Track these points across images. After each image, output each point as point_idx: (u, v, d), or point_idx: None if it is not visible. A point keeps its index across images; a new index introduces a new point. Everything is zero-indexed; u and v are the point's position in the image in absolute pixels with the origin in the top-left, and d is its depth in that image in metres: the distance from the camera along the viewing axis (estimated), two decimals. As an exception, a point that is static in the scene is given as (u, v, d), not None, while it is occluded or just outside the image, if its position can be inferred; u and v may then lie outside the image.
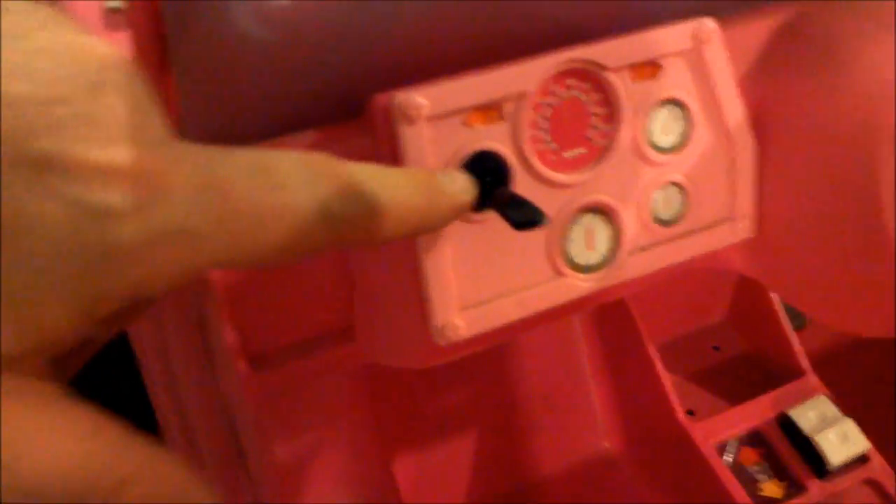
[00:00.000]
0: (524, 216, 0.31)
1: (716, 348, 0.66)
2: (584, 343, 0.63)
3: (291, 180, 0.24)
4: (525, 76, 0.34)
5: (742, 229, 0.39)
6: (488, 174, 0.34)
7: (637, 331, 0.59)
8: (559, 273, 0.37)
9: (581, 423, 0.64)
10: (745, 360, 0.65)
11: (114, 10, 0.54)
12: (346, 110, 0.34)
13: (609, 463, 0.63)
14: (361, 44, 0.32)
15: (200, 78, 0.29)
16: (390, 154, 0.33)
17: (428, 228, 0.30)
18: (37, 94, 0.20)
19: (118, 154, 0.20)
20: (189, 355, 0.45)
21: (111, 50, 0.22)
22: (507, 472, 0.62)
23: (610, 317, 0.61)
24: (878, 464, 0.58)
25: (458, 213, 0.31)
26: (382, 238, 0.28)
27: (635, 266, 0.38)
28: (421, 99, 0.32)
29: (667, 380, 0.58)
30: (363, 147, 0.34)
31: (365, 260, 0.36)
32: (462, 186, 0.31)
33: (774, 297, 0.63)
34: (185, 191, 0.22)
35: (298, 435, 0.40)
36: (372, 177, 0.27)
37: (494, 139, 0.34)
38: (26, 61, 0.20)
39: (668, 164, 0.37)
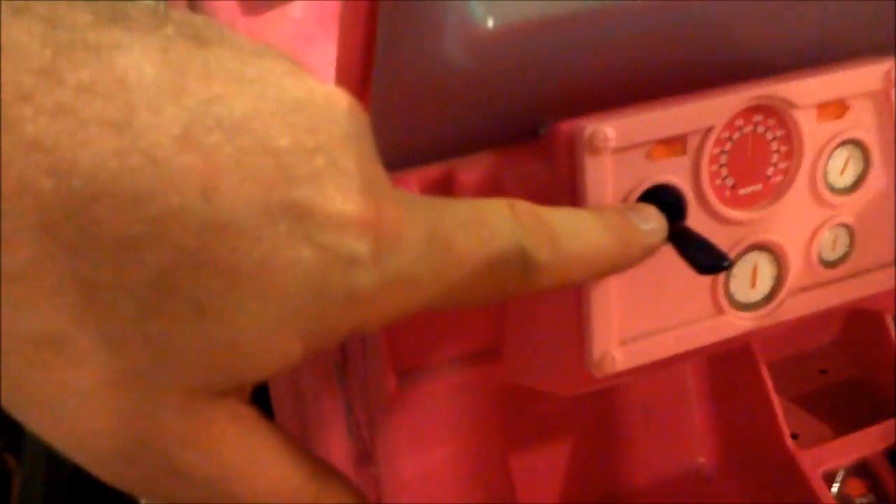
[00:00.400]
0: (710, 261, 0.30)
1: (823, 372, 0.64)
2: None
3: (501, 230, 0.25)
4: (714, 111, 0.32)
5: (905, 274, 0.38)
6: (665, 208, 0.33)
7: (749, 348, 0.58)
8: (720, 310, 0.36)
9: (678, 437, 0.63)
10: (852, 386, 0.64)
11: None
12: (522, 132, 0.33)
13: (704, 479, 0.62)
14: (548, 70, 0.31)
15: (399, 96, 0.29)
16: (570, 181, 0.32)
17: (618, 270, 0.30)
18: (298, 143, 0.20)
19: (366, 205, 0.21)
20: (319, 360, 0.45)
21: (352, 99, 0.22)
22: (602, 478, 0.62)
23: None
24: None
25: (649, 254, 0.30)
26: (574, 282, 0.29)
27: (795, 306, 0.37)
28: (610, 130, 0.31)
29: (777, 401, 0.57)
30: (538, 171, 0.33)
31: (527, 293, 0.36)
32: (655, 226, 0.31)
33: (888, 323, 0.62)
34: (415, 241, 0.23)
35: (430, 446, 0.40)
36: (570, 224, 0.28)
37: (674, 173, 0.33)
38: (284, 110, 0.20)
39: (840, 205, 0.36)
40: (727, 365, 0.60)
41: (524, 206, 0.26)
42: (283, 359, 0.21)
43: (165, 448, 0.20)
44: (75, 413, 0.19)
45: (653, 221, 0.31)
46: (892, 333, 0.61)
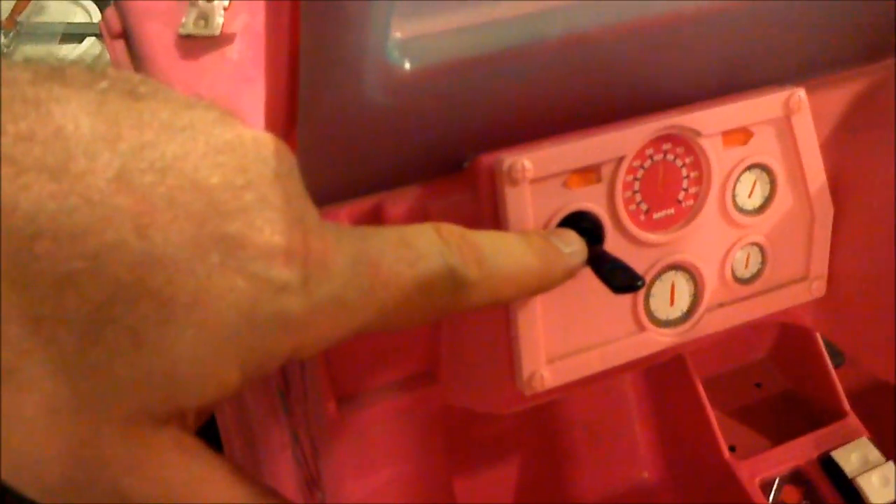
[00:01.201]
0: (624, 281, 0.32)
1: (757, 385, 0.67)
2: (628, 374, 0.64)
3: (428, 251, 0.27)
4: (625, 141, 0.35)
5: (816, 289, 0.40)
6: (584, 233, 0.35)
7: (685, 365, 0.60)
8: (642, 328, 0.38)
9: (622, 453, 0.65)
10: (786, 398, 0.66)
11: (187, 37, 0.55)
12: (446, 166, 0.35)
13: (648, 493, 0.64)
14: (467, 106, 0.33)
15: (323, 134, 0.30)
16: (491, 211, 0.34)
17: (543, 290, 0.32)
18: (228, 182, 0.22)
19: (293, 236, 0.23)
20: (261, 384, 0.46)
21: (279, 141, 0.24)
22: (549, 497, 0.63)
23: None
24: (916, 507, 0.59)
25: (571, 275, 0.32)
26: (502, 301, 0.31)
27: (713, 322, 0.39)
28: (527, 162, 0.33)
29: (713, 415, 0.59)
30: (462, 202, 0.35)
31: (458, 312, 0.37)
32: (575, 248, 0.33)
33: (818, 337, 0.64)
34: (342, 266, 0.24)
35: (374, 470, 0.41)
36: (496, 245, 0.29)
37: (591, 200, 0.35)
38: (213, 152, 0.22)
39: (750, 225, 0.38)
40: (665, 382, 0.62)
41: (450, 228, 0.28)
42: (221, 385, 0.22)
43: (110, 475, 0.21)
44: (22, 441, 0.20)
45: (574, 245, 0.33)
46: (822, 346, 0.63)
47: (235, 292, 0.21)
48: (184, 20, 0.55)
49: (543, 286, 0.31)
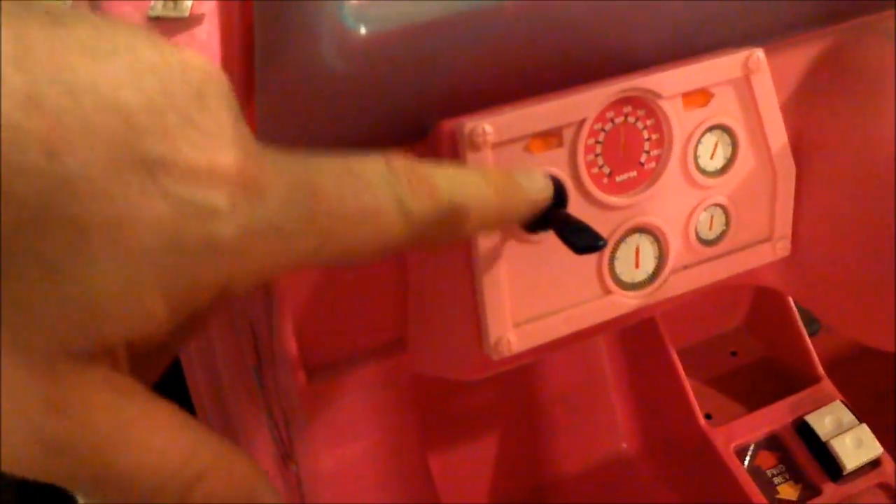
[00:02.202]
0: (585, 241, 0.33)
1: (733, 353, 0.67)
2: (604, 345, 0.65)
3: (376, 182, 0.26)
4: (585, 104, 0.35)
5: (780, 249, 0.41)
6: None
7: (659, 334, 0.61)
8: (607, 291, 0.38)
9: (600, 425, 0.65)
10: (761, 366, 0.67)
11: (156, 19, 0.55)
12: (410, 133, 0.35)
13: (627, 464, 0.65)
14: (427, 72, 0.33)
15: (281, 101, 0.30)
16: (454, 177, 0.34)
17: (505, 223, 0.31)
18: (149, 103, 0.21)
19: (222, 158, 0.22)
20: (235, 360, 0.47)
21: (210, 64, 0.23)
22: (528, 471, 0.64)
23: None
24: (889, 468, 0.60)
25: (533, 210, 0.32)
26: (460, 235, 0.29)
27: (678, 284, 0.39)
28: (487, 127, 0.33)
29: (687, 384, 0.60)
30: (426, 169, 0.35)
31: (421, 275, 0.38)
32: (540, 186, 0.32)
33: (792, 304, 0.65)
34: (278, 192, 0.23)
35: (347, 441, 0.42)
36: (450, 177, 0.28)
37: (553, 164, 0.35)
38: (135, 74, 0.21)
39: (713, 186, 0.39)
40: (641, 352, 0.62)
41: (400, 160, 0.27)
42: (147, 316, 0.21)
43: (31, 417, 0.20)
44: None
45: (538, 182, 0.32)
46: (796, 313, 0.64)
47: (156, 217, 0.20)
48: (153, 3, 0.55)
49: (503, 219, 0.31)
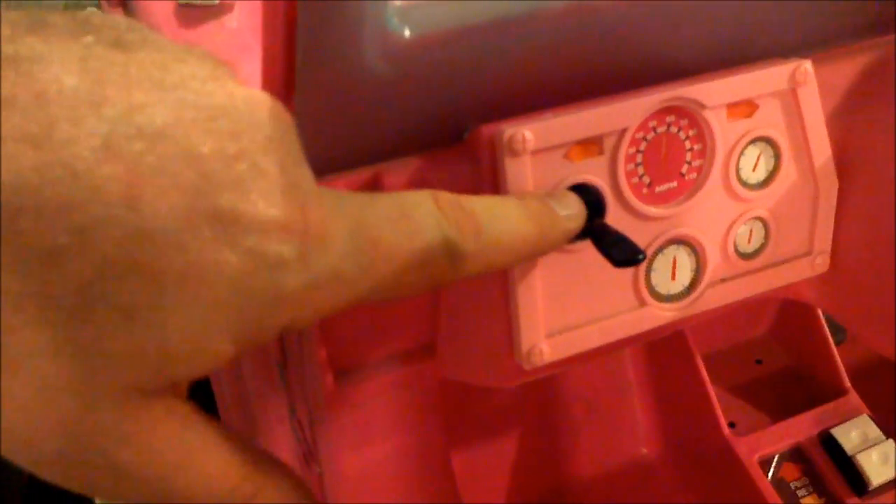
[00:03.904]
0: (625, 254, 0.32)
1: (758, 362, 0.66)
2: (628, 349, 0.64)
3: (426, 223, 0.26)
4: (628, 113, 0.34)
5: (819, 264, 0.40)
6: (585, 206, 0.34)
7: (685, 340, 0.60)
8: (642, 302, 0.37)
9: (621, 428, 0.65)
10: (787, 375, 0.66)
11: (186, 6, 0.54)
12: (445, 137, 0.35)
13: (647, 469, 0.64)
14: (468, 76, 0.33)
15: (321, 102, 0.30)
16: (492, 183, 0.33)
17: (540, 254, 0.31)
18: (221, 151, 0.21)
19: (290, 208, 0.22)
20: (259, 356, 0.46)
21: (274, 102, 0.23)
22: (548, 471, 0.63)
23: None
24: (914, 484, 0.59)
25: (568, 239, 0.32)
26: (498, 267, 0.30)
27: (714, 297, 0.39)
28: (528, 133, 0.32)
29: (712, 392, 0.59)
30: (463, 173, 0.34)
31: (454, 282, 0.37)
32: (573, 211, 0.32)
33: (820, 314, 0.64)
34: (341, 240, 0.23)
35: (371, 443, 0.41)
36: (493, 212, 0.29)
37: (593, 172, 0.34)
38: (205, 117, 0.21)
39: (754, 199, 0.38)
40: (665, 357, 0.61)
41: (447, 198, 0.27)
42: (214, 358, 0.22)
43: (103, 448, 0.21)
44: (14, 418, 0.20)
45: (572, 207, 0.32)
46: (824, 323, 0.63)
47: (228, 267, 0.21)
48: (183, -11, 0.55)
49: (539, 251, 0.31)
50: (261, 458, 0.25)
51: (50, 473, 0.21)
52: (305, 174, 0.23)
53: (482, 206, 0.29)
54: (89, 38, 0.20)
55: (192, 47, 0.22)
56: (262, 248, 0.21)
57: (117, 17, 0.22)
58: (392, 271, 0.25)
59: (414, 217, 0.26)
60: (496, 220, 0.29)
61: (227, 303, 0.21)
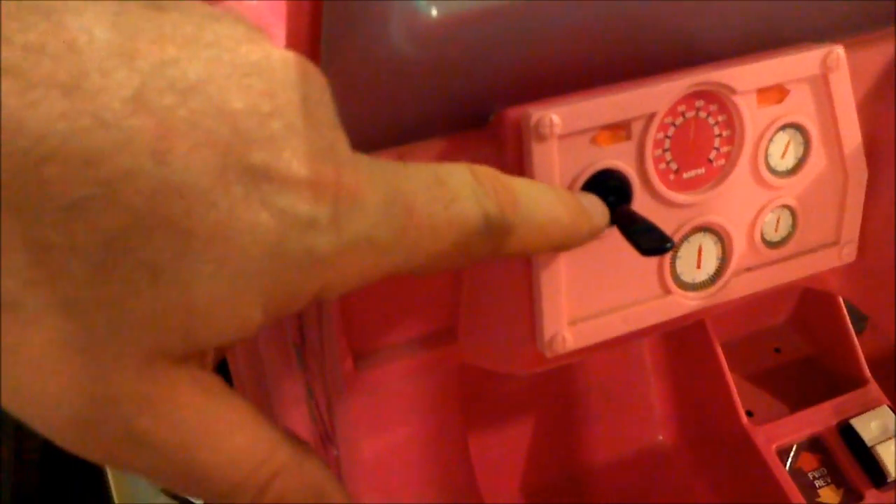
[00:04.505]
0: (652, 243, 0.31)
1: (777, 350, 0.66)
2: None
3: (464, 193, 0.25)
4: (657, 97, 0.33)
5: (847, 254, 0.39)
6: (611, 192, 0.34)
7: (704, 326, 0.59)
8: (667, 290, 0.37)
9: (637, 415, 0.64)
10: (806, 364, 0.65)
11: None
12: (469, 119, 0.34)
13: (663, 456, 0.64)
14: (494, 58, 0.32)
15: (345, 83, 0.29)
16: (517, 167, 0.33)
17: (567, 246, 0.31)
18: (255, 107, 0.20)
19: (324, 169, 0.21)
20: (276, 335, 0.46)
21: (309, 64, 0.22)
22: (563, 457, 0.63)
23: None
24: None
25: (594, 235, 0.31)
26: (531, 251, 0.29)
27: (740, 286, 0.38)
28: (555, 117, 0.32)
29: (731, 380, 0.59)
30: (488, 156, 0.34)
31: (477, 266, 0.37)
32: (601, 211, 0.32)
33: (841, 302, 0.63)
34: (374, 204, 0.23)
35: (390, 427, 0.41)
36: (529, 192, 0.28)
37: (620, 157, 0.34)
38: (240, 74, 0.20)
39: (782, 187, 0.37)
40: (683, 344, 0.61)
41: (485, 170, 0.27)
42: (243, 324, 0.21)
43: (123, 414, 0.20)
44: (30, 378, 0.19)
45: (597, 205, 0.32)
46: (845, 312, 0.62)
47: (259, 227, 0.20)
48: (202, -35, 0.54)
49: (569, 242, 0.30)
50: (286, 437, 0.24)
51: (65, 439, 0.21)
52: (340, 137, 0.23)
53: (519, 183, 0.28)
54: None
55: (227, 11, 0.22)
56: (295, 208, 0.21)
57: None
58: (426, 240, 0.24)
59: (450, 185, 0.25)
60: (532, 197, 0.28)
61: (256, 264, 0.20)
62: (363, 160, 0.23)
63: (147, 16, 0.20)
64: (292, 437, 0.25)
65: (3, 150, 0.18)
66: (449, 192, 0.25)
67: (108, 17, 0.19)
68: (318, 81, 0.22)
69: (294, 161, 0.21)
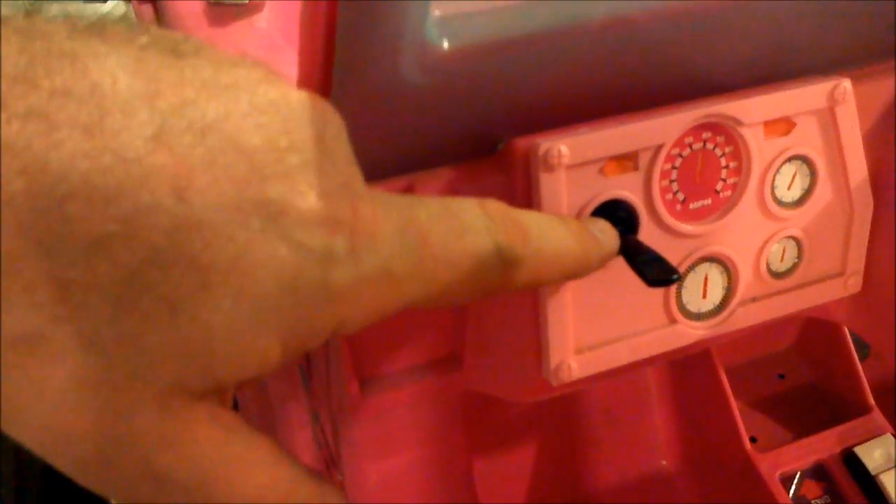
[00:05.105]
0: (658, 274, 0.32)
1: (781, 376, 0.66)
2: (651, 362, 0.64)
3: (475, 226, 0.26)
4: (665, 129, 0.34)
5: (852, 284, 0.40)
6: (618, 222, 0.34)
7: (708, 353, 0.59)
8: (672, 320, 0.37)
9: (641, 440, 0.64)
10: (810, 391, 0.65)
11: (216, 4, 0.54)
12: (477, 149, 0.34)
13: (666, 481, 0.64)
14: (504, 89, 0.32)
15: (355, 112, 0.30)
16: (525, 196, 0.33)
17: (578, 275, 0.31)
18: (271, 143, 0.20)
19: (340, 202, 0.21)
20: (284, 367, 0.46)
21: (326, 103, 0.23)
22: (565, 484, 0.63)
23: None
24: (937, 506, 0.58)
25: (604, 263, 0.32)
26: (542, 282, 0.30)
27: (745, 316, 0.38)
28: (563, 148, 0.32)
29: (735, 406, 0.59)
30: (497, 185, 0.34)
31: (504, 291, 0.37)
32: (610, 237, 0.32)
33: (845, 330, 0.63)
34: (390, 236, 0.23)
35: (394, 452, 0.41)
36: (539, 225, 0.29)
37: (627, 188, 0.34)
38: (257, 112, 0.21)
39: (788, 218, 0.37)
40: (688, 370, 0.61)
41: (494, 204, 0.27)
42: (262, 359, 0.21)
43: (143, 451, 0.20)
44: (51, 413, 0.19)
45: (607, 233, 0.32)
46: (849, 339, 0.62)
47: (277, 261, 0.20)
48: (213, -13, 0.54)
49: (579, 272, 0.30)
50: (307, 474, 0.24)
51: (87, 477, 0.21)
52: (356, 173, 0.23)
53: (528, 216, 0.28)
54: (144, 41, 0.20)
55: (244, 56, 0.22)
56: (312, 242, 0.21)
57: (173, 31, 0.22)
58: (442, 272, 0.24)
59: (461, 218, 0.25)
60: (542, 231, 0.28)
61: (275, 297, 0.20)
62: (377, 194, 0.23)
63: (167, 62, 0.20)
64: (313, 474, 0.24)
65: (30, 189, 0.18)
66: (461, 223, 0.25)
67: (131, 62, 0.20)
68: (335, 120, 0.23)
69: (311, 195, 0.21)
